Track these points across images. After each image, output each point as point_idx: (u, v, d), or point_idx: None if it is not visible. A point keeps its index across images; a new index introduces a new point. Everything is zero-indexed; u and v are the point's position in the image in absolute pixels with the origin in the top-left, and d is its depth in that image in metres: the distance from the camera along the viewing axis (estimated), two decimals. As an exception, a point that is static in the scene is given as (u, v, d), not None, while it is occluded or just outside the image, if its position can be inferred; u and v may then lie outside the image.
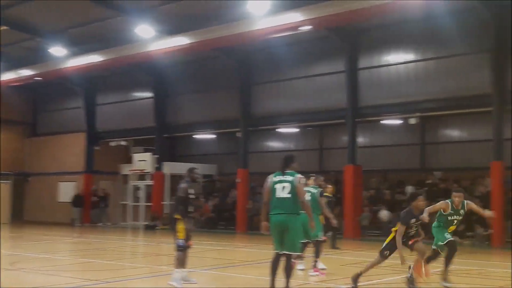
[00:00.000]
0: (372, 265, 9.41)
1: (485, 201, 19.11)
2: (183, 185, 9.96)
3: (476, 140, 21.37)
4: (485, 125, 19.92)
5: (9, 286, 9.91)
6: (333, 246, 16.44)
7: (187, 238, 9.92)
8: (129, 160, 29.05)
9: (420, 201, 9.15)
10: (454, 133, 23.09)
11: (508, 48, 18.60)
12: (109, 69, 27.47)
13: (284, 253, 8.28)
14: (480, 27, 18.97)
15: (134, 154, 28.55)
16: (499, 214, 18.18)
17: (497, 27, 18.56)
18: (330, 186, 12.02)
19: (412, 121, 21.19)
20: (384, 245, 9.31)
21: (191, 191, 9.96)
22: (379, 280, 10.57)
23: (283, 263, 8.33)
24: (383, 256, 9.26)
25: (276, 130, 26.30)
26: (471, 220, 19.47)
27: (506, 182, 18.52)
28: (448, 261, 9.82)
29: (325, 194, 12.81)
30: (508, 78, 18.64)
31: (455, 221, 9.89)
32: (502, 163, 18.38)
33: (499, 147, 18.59)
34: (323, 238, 11.61)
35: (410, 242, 9.19)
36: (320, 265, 11.42)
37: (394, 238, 9.14)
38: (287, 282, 8.30)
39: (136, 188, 29.22)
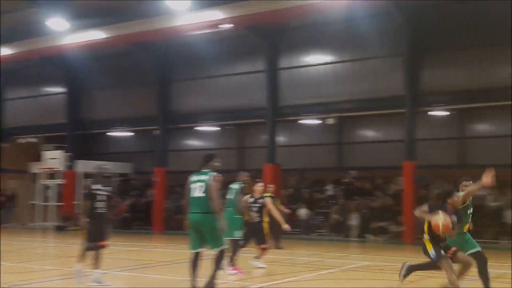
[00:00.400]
0: (453, 275, 7.74)
1: (397, 199, 19.79)
2: (88, 182, 9.69)
3: (390, 140, 22.03)
4: (398, 126, 20.58)
5: None
6: (277, 246, 16.19)
7: (93, 238, 9.54)
8: (39, 158, 27.76)
9: (457, 198, 7.98)
10: (369, 133, 23.69)
11: (421, 51, 19.37)
12: (19, 63, 26.10)
13: (207, 252, 8.23)
14: (395, 31, 19.59)
15: (45, 152, 27.33)
16: (410, 211, 18.86)
17: (411, 31, 19.26)
18: (261, 184, 11.70)
19: (330, 121, 21.60)
20: (434, 253, 7.87)
21: (98, 187, 9.65)
22: (285, 280, 10.52)
23: (204, 262, 8.19)
24: (444, 257, 7.79)
25: (196, 128, 25.97)
26: (384, 217, 20.09)
27: (418, 180, 19.21)
28: (483, 275, 8.08)
29: (269, 194, 12.72)
30: (421, 81, 19.38)
31: (471, 216, 8.44)
32: (414, 162, 19.05)
33: (411, 147, 19.27)
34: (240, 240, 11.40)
35: (448, 254, 7.83)
36: (260, 264, 11.30)
37: (434, 244, 7.85)
38: (210, 281, 8.15)
39: (46, 187, 27.98)
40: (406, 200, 18.84)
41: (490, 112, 20.44)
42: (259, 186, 11.63)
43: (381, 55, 20.09)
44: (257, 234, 11.26)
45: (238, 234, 10.94)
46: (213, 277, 8.22)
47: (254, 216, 11.32)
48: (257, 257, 11.47)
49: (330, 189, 22.40)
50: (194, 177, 8.35)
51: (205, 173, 8.30)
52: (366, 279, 10.78)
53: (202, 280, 8.23)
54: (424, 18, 19.32)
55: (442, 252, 7.81)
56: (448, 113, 20.94)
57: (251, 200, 11.46)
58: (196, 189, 8.22)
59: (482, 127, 21.44)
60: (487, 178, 7.72)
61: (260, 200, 11.48)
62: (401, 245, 18.45)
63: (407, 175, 19.06)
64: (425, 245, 7.93)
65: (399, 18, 19.09)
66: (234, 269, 10.99)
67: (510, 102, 18.51)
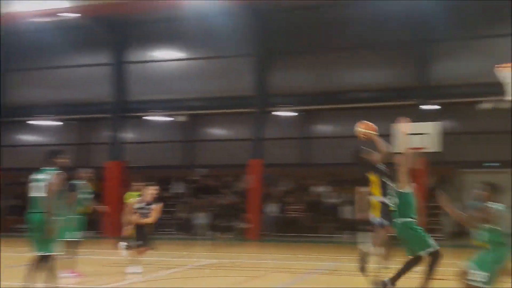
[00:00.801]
0: None
1: (244, 197, 20.01)
2: None
3: (239, 139, 22.22)
4: (247, 125, 20.80)
5: None
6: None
7: None
8: None
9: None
10: (219, 131, 23.75)
11: (270, 53, 19.77)
12: None
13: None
14: (247, 32, 19.72)
15: None
16: (258, 209, 19.21)
17: (261, 33, 19.60)
18: (154, 188, 10.94)
19: (180, 118, 21.27)
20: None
21: None
22: (130, 281, 10.08)
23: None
24: None
25: (31, 122, 24.08)
26: (231, 215, 20.23)
27: (265, 178, 19.60)
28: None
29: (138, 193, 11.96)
30: (269, 82, 19.79)
31: None
32: (261, 161, 19.37)
33: (259, 146, 19.60)
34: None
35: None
36: (134, 269, 10.54)
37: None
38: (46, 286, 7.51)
39: None
40: (253, 197, 19.11)
41: (333, 113, 21.48)
42: (150, 190, 10.94)
43: (233, 54, 20.14)
44: (142, 237, 10.62)
45: (74, 236, 10.22)
46: (48, 282, 7.58)
47: (142, 219, 10.65)
48: (133, 261, 10.74)
49: (177, 187, 22.09)
50: (35, 176, 7.78)
51: (46, 171, 7.70)
52: (212, 276, 10.66)
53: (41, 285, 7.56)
54: (275, 21, 19.71)
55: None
56: (295, 114, 21.63)
57: (141, 204, 10.75)
58: (35, 188, 7.70)
59: (325, 128, 22.48)
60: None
61: (151, 205, 10.80)
62: (246, 242, 18.68)
63: (254, 173, 19.34)
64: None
65: (251, 20, 19.32)
66: (72, 273, 10.24)
67: (349, 105, 19.65)
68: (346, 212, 18.98)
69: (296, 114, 21.66)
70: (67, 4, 17.73)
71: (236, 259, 13.60)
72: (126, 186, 20.76)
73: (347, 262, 12.22)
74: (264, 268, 11.48)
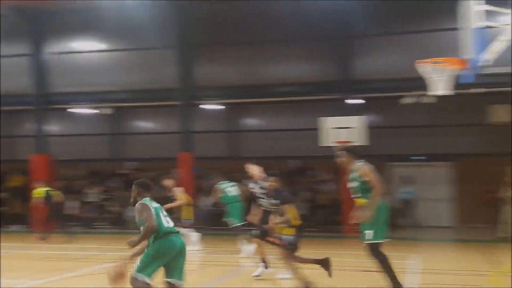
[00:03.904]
0: None
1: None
2: None
3: (167, 132, 21.96)
4: (175, 117, 20.52)
5: None
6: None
7: None
8: None
9: None
10: (146, 124, 23.40)
11: (193, 45, 19.52)
12: None
13: None
14: (168, 23, 19.35)
15: None
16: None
17: (184, 25, 19.31)
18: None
19: (106, 111, 20.76)
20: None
21: None
22: (62, 276, 9.82)
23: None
24: None
25: None
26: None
27: (195, 171, 19.46)
28: None
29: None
30: (194, 75, 19.56)
31: None
32: (190, 154, 19.19)
33: (187, 139, 19.41)
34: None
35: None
36: None
37: None
38: None
39: None
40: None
41: (260, 107, 21.60)
42: None
43: (156, 46, 19.69)
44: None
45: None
46: None
47: None
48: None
49: (107, 181, 21.71)
50: None
51: None
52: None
53: None
54: (198, 12, 19.38)
55: None
56: (222, 107, 21.57)
57: None
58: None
59: (252, 121, 22.59)
60: None
61: None
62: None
63: (183, 166, 19.14)
64: None
65: (174, 10, 19.01)
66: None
67: (275, 99, 19.81)
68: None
69: (223, 107, 21.64)
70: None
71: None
72: (52, 180, 20.17)
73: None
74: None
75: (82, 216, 20.87)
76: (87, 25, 20.13)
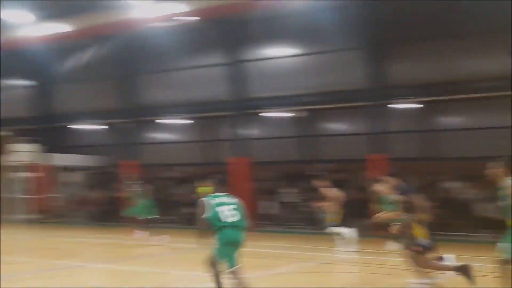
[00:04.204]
0: None
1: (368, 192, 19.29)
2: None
3: (357, 133, 21.42)
4: (363, 118, 20.03)
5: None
6: None
7: None
8: (7, 151, 27.23)
9: None
10: (335, 126, 23.31)
11: (383, 43, 18.84)
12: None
13: None
14: (357, 23, 18.96)
15: (15, 145, 26.78)
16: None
17: (372, 23, 18.78)
18: None
19: (300, 114, 21.30)
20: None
21: None
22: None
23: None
24: None
25: (160, 121, 25.33)
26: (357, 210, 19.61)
27: (390, 174, 18.69)
28: None
29: None
30: (384, 74, 18.89)
31: None
32: (384, 155, 18.61)
33: (379, 140, 18.96)
34: None
35: None
36: None
37: None
38: None
39: (16, 180, 27.56)
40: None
41: (457, 104, 20.05)
42: None
43: (344, 47, 19.52)
44: None
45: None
46: None
47: None
48: None
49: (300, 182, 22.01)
50: None
51: None
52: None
53: None
54: (385, 11, 18.72)
55: None
56: (415, 106, 20.52)
57: None
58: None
59: (451, 120, 21.05)
60: None
61: None
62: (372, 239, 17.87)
63: (377, 168, 18.57)
64: None
65: (360, 11, 18.60)
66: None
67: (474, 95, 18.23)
68: (482, 209, 17.59)
69: (418, 106, 20.53)
70: (183, 8, 18.27)
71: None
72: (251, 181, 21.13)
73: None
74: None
75: (280, 215, 21.42)
76: (276, 31, 20.76)
